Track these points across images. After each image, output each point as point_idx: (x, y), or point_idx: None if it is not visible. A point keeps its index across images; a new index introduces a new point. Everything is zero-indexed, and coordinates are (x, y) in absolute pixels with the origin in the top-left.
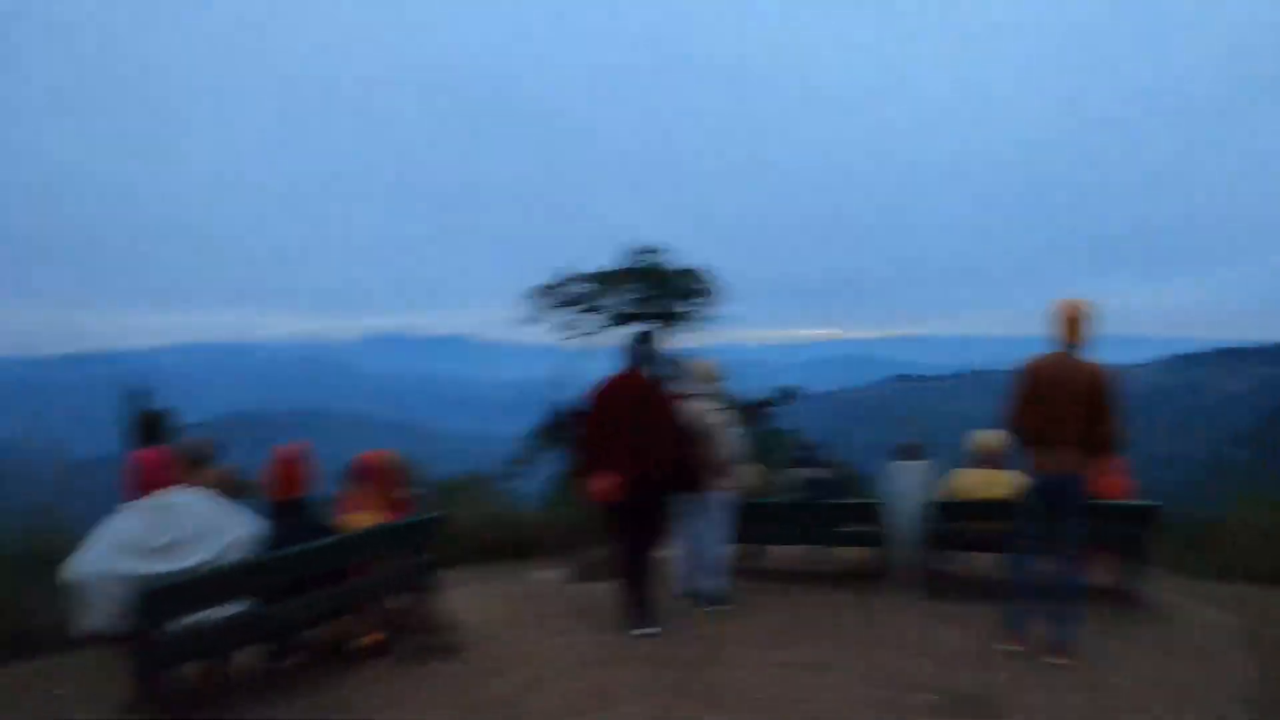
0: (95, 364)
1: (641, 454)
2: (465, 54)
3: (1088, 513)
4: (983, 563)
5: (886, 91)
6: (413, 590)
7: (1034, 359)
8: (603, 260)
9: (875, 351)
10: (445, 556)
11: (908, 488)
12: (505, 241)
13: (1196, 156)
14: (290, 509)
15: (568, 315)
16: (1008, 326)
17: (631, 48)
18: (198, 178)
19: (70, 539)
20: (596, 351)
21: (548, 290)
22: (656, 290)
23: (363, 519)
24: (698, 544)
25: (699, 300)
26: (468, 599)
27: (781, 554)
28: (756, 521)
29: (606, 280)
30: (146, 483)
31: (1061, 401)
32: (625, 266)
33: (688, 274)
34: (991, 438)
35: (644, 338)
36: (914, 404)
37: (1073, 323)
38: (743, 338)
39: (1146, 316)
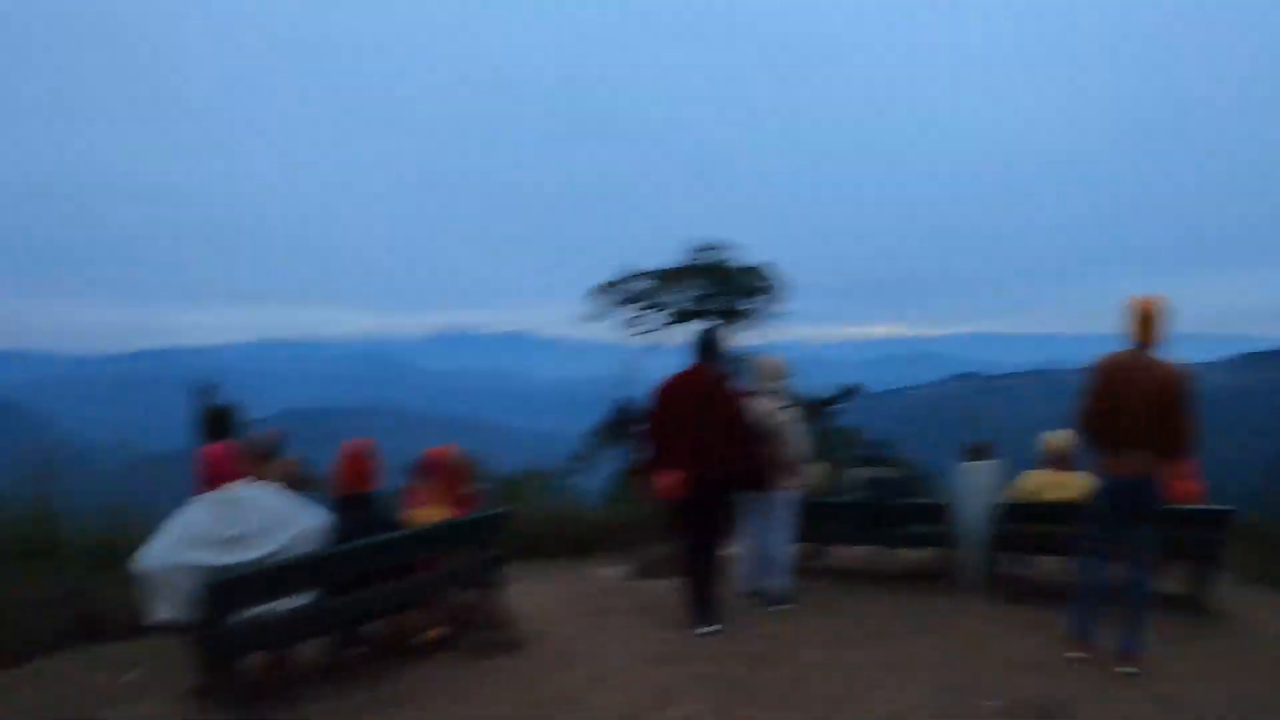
0: (166, 360)
1: (705, 451)
2: (528, 55)
3: (1161, 518)
4: (1051, 566)
5: (956, 86)
6: (477, 586)
7: (1106, 357)
8: (666, 257)
9: (939, 349)
10: (506, 552)
11: (976, 488)
12: (570, 239)
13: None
14: (357, 503)
15: (630, 312)
16: (1075, 324)
17: (696, 44)
18: (268, 179)
19: (140, 530)
20: (659, 348)
21: (610, 287)
22: (719, 287)
23: (429, 514)
24: (762, 542)
25: (762, 297)
26: (530, 595)
27: (845, 554)
28: (821, 521)
29: (668, 277)
30: (215, 476)
31: (1134, 402)
32: (687, 263)
33: (750, 271)
34: (1061, 438)
35: (709, 334)
36: (978, 403)
37: (1146, 320)
38: (805, 335)
39: (1213, 314)
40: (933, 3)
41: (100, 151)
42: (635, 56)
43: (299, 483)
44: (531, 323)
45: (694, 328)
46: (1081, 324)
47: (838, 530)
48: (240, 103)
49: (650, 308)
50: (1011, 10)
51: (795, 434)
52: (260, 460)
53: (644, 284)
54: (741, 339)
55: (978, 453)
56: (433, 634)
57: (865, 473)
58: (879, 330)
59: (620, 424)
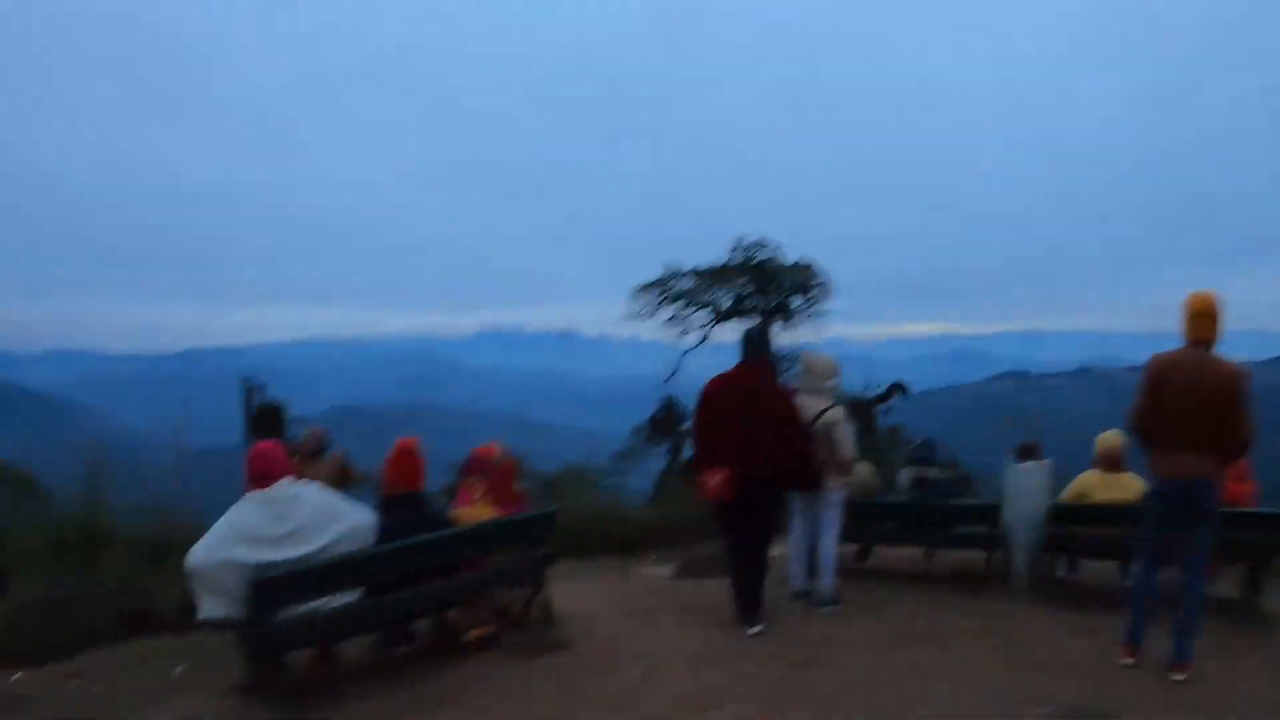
0: (216, 358)
1: (752, 450)
2: (574, 52)
3: (1216, 520)
4: (1102, 570)
5: (1005, 81)
6: (525, 584)
7: (1161, 356)
8: (710, 255)
9: (985, 347)
10: (554, 551)
11: (1026, 489)
12: (616, 237)
13: None
14: (405, 502)
15: (675, 310)
16: (1125, 321)
17: (742, 40)
18: (316, 180)
19: (189, 526)
20: (704, 347)
21: (654, 286)
22: (762, 285)
23: (475, 513)
24: (809, 543)
25: (808, 295)
26: (576, 594)
27: (893, 555)
28: (869, 521)
29: (712, 275)
30: (263, 474)
31: (1189, 401)
32: (731, 261)
33: (797, 269)
34: (1113, 438)
35: (757, 333)
36: (1026, 402)
37: (1202, 317)
38: (849, 333)
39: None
40: None
41: (155, 153)
42: (681, 53)
43: (346, 480)
44: (577, 321)
45: (738, 326)
46: (1132, 321)
47: (888, 531)
48: (288, 105)
49: (694, 306)
50: (1063, 8)
51: (844, 433)
52: (308, 458)
53: (688, 282)
54: (787, 337)
55: (1027, 453)
56: (479, 633)
57: (913, 473)
58: (924, 328)
59: (665, 422)
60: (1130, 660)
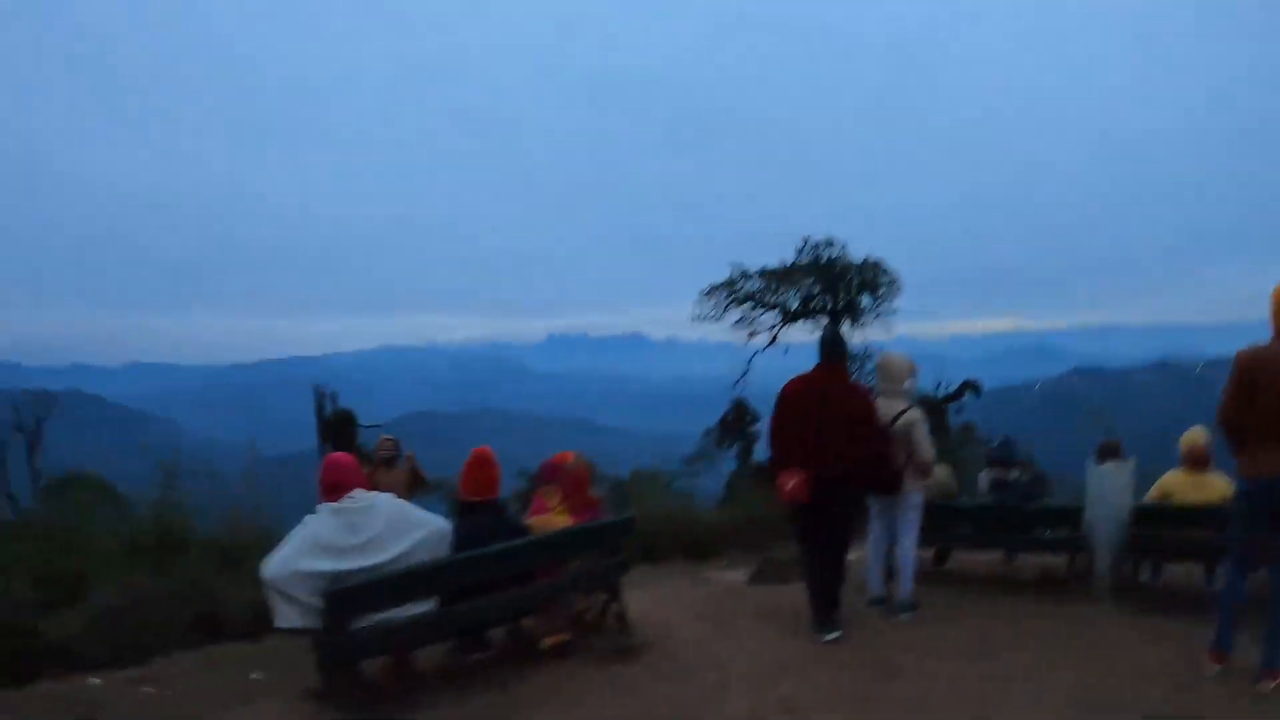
0: (289, 369)
1: (829, 453)
2: (636, 58)
3: None
4: (1189, 573)
5: (1072, 67)
6: (600, 591)
7: (1249, 350)
8: (776, 255)
9: (1057, 342)
10: (628, 557)
11: (1109, 490)
12: (682, 240)
13: None
14: (482, 509)
15: (744, 312)
16: (1203, 313)
17: (799, 39)
18: (387, 191)
19: (261, 532)
20: (773, 348)
21: (723, 288)
22: (830, 285)
23: (551, 520)
24: (888, 546)
25: (877, 294)
26: (649, 599)
27: (971, 559)
28: (946, 524)
29: (779, 276)
30: (337, 485)
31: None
32: (801, 261)
33: (865, 267)
34: (1199, 436)
35: (834, 335)
36: (1100, 398)
37: None
38: (917, 331)
39: None
40: None
41: (218, 166)
42: (742, 54)
43: (418, 486)
44: (645, 324)
45: (807, 327)
46: (1210, 313)
47: (966, 534)
48: (352, 116)
49: (762, 307)
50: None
51: (924, 435)
52: (381, 466)
53: (755, 283)
54: (857, 337)
55: (1109, 452)
56: (554, 640)
57: (992, 474)
58: (994, 324)
59: (735, 424)
60: (1217, 668)
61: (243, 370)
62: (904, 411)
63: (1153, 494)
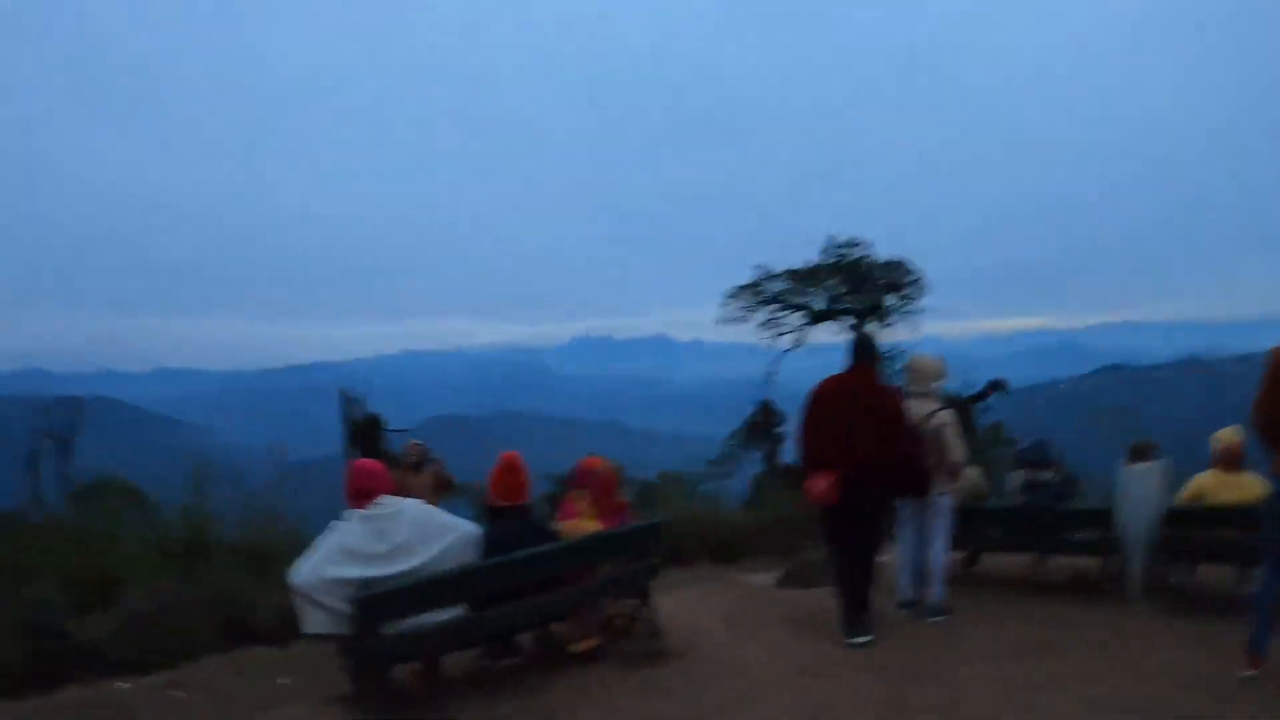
0: (315, 374)
1: (856, 453)
2: (655, 57)
3: None
4: (1223, 575)
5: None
6: (630, 596)
7: None
8: (801, 256)
9: (1084, 340)
10: (657, 562)
11: (1141, 491)
12: (706, 241)
13: None
14: (511, 514)
15: (769, 313)
16: (1232, 308)
17: (820, 37)
18: (411, 197)
19: (288, 537)
20: (799, 349)
21: (748, 289)
22: (855, 285)
23: (580, 525)
24: (918, 550)
25: (902, 293)
26: (677, 603)
27: (1002, 562)
28: (977, 526)
29: (804, 277)
30: (364, 492)
31: None
32: (823, 262)
33: (890, 266)
34: (1232, 436)
35: (865, 337)
36: (1128, 396)
37: None
38: (942, 330)
39: None
40: None
41: (249, 175)
42: (762, 53)
43: (445, 490)
44: (669, 326)
45: (833, 328)
46: (1240, 308)
47: (996, 536)
48: (379, 125)
49: (788, 308)
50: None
51: (955, 436)
52: (408, 471)
53: (780, 284)
54: (883, 337)
55: (1141, 453)
56: (584, 645)
57: (1023, 475)
58: (1019, 323)
59: (761, 426)
60: (1252, 672)
61: (269, 375)
62: (934, 413)
63: (1185, 494)
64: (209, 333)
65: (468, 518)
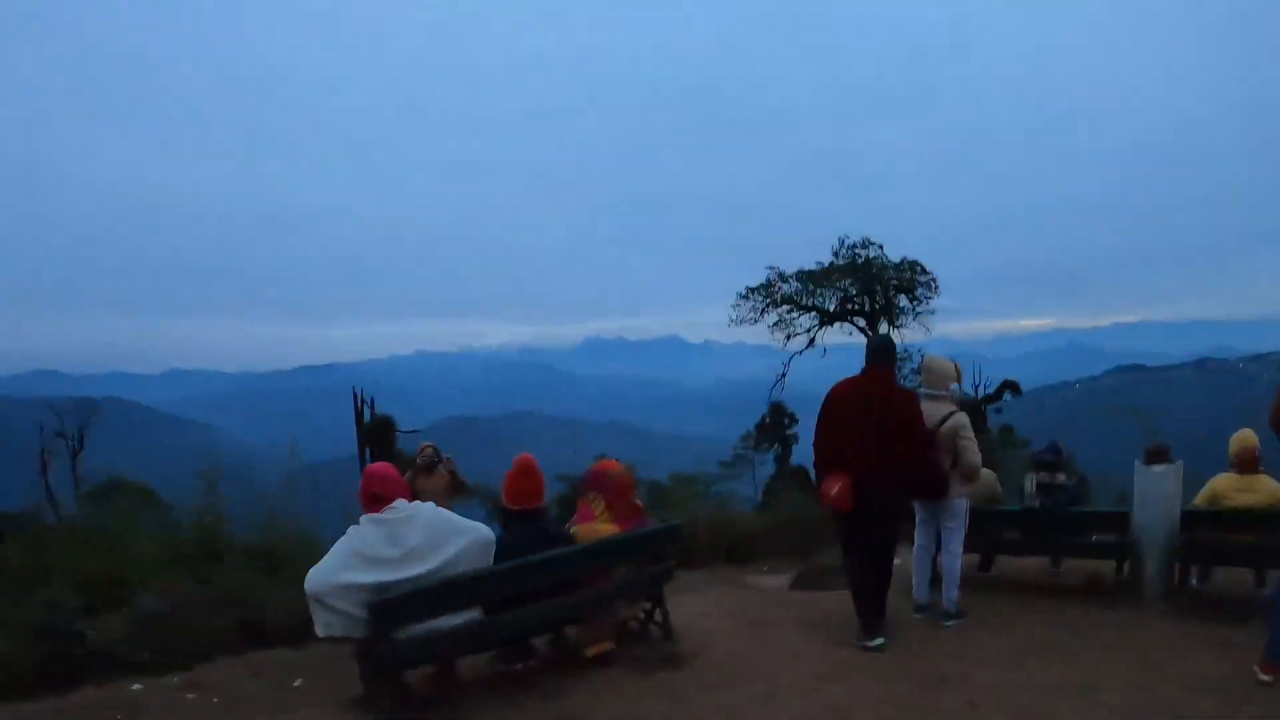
0: (327, 375)
1: (871, 456)
2: (671, 61)
3: None
4: (1241, 578)
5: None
6: (644, 599)
7: None
8: (813, 257)
9: (1096, 341)
10: (671, 565)
11: (1157, 494)
12: (719, 243)
13: None
14: (525, 518)
15: (781, 314)
16: (1242, 308)
17: (836, 41)
18: (424, 198)
19: (300, 537)
20: (810, 350)
21: (760, 290)
22: (870, 285)
23: (595, 529)
24: (933, 553)
25: (914, 294)
26: (691, 605)
27: (1018, 565)
28: (991, 529)
29: (816, 278)
30: (378, 496)
31: None
32: (835, 263)
33: (902, 267)
34: (1249, 438)
35: (883, 339)
36: (1140, 397)
37: None
38: (954, 331)
39: None
40: None
41: (262, 177)
42: (777, 58)
43: (458, 491)
44: (682, 327)
45: (843, 329)
46: (1249, 308)
47: (1012, 539)
48: (387, 127)
49: (799, 309)
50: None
51: (969, 439)
52: (422, 472)
53: (792, 285)
54: (895, 338)
55: (1157, 455)
56: (598, 649)
57: (1038, 478)
58: (1031, 324)
59: (773, 427)
60: (1269, 677)
61: (280, 376)
62: (950, 415)
63: (1202, 497)
64: (219, 334)
65: (481, 519)
